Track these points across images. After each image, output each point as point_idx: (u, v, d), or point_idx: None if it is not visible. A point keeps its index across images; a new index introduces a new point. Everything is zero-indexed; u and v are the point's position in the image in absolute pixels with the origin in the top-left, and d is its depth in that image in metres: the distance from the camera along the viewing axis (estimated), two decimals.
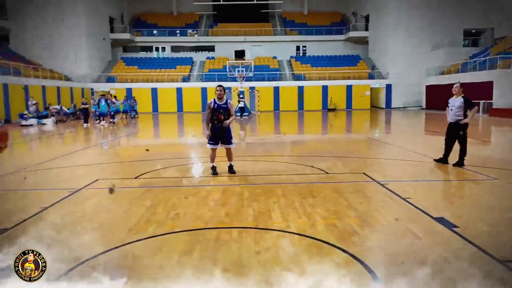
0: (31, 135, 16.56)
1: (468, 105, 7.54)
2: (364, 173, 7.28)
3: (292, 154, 10.77)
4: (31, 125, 20.30)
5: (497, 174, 6.96)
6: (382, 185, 6.30)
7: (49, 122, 21.57)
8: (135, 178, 7.20)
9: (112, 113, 21.74)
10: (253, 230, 4.28)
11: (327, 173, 7.42)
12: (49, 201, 5.50)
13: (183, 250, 3.75)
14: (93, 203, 5.51)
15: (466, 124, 7.56)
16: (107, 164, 9.16)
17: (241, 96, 24.10)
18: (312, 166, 8.00)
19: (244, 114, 26.79)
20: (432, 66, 32.87)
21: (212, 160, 7.26)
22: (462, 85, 7.76)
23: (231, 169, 7.32)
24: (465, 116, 7.57)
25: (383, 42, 36.06)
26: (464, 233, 4.02)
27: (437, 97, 30.89)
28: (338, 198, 5.55)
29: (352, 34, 39.97)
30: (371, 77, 35.79)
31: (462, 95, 7.70)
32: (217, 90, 6.95)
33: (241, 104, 23.48)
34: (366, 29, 39.80)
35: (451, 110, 7.70)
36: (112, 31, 39.16)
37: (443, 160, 7.86)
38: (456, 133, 7.65)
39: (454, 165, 7.60)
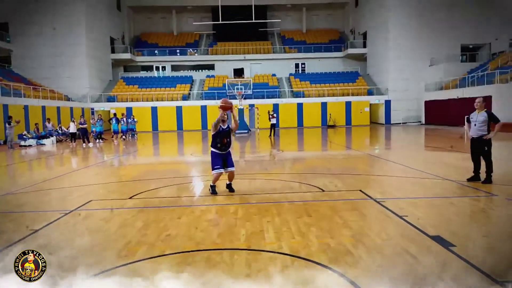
0: (29, 156, 16.53)
1: (493, 119, 7.38)
2: (360, 190, 7.18)
3: (290, 171, 10.68)
4: (30, 145, 20.31)
5: (497, 190, 6.86)
6: (379, 202, 6.20)
7: (48, 142, 21.58)
8: (130, 198, 7.11)
9: (123, 131, 23.26)
10: (245, 252, 4.18)
11: (323, 190, 7.33)
12: (40, 223, 5.42)
13: (172, 273, 3.64)
14: (84, 225, 5.41)
15: (490, 140, 7.40)
16: (103, 185, 9.09)
17: (272, 112, 24.13)
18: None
19: (243, 131, 26.83)
20: (430, 81, 33.02)
21: (215, 182, 7.22)
22: (485, 99, 7.62)
23: (230, 187, 7.30)
24: (488, 130, 7.42)
25: (381, 58, 36.34)
26: (461, 252, 3.91)
27: (436, 112, 30.93)
28: (333, 217, 5.45)
29: (350, 51, 40.35)
30: (370, 93, 35.93)
31: (485, 109, 7.53)
32: (221, 114, 6.93)
33: (273, 121, 23.48)
34: (364, 46, 40.19)
35: (474, 125, 7.49)
36: (113, 51, 39.61)
37: (475, 178, 7.60)
38: (480, 149, 7.48)
39: (482, 182, 7.38)
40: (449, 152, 13.73)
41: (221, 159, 7.05)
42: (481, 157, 7.56)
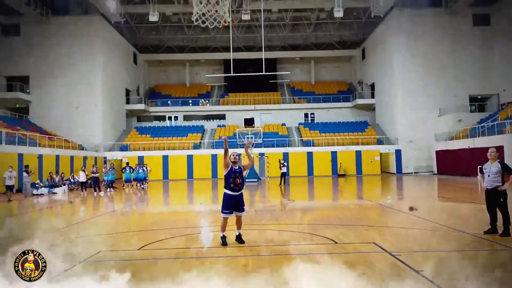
0: (40, 205, 16.62)
1: (507, 170, 7.31)
2: (374, 243, 7.01)
3: (301, 222, 10.51)
4: (41, 194, 20.47)
5: None
6: (394, 256, 6.02)
7: (59, 191, 21.76)
8: (139, 249, 7.03)
9: (140, 179, 23.89)
10: None
11: (336, 242, 7.17)
12: (48, 276, 5.34)
13: None
14: (91, 279, 5.31)
15: (505, 191, 7.28)
16: (112, 235, 9.03)
17: (282, 161, 24.31)
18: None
19: (253, 180, 26.77)
20: (440, 131, 33.06)
21: (223, 229, 7.16)
22: (497, 150, 7.60)
23: (240, 239, 7.18)
24: (503, 181, 7.32)
25: (390, 109, 36.78)
26: None
27: (448, 162, 30.65)
28: (348, 271, 5.29)
29: (359, 101, 41.01)
30: (380, 142, 35.99)
31: (498, 160, 7.48)
32: (233, 155, 7.17)
33: (284, 170, 23.52)
34: (372, 96, 40.88)
35: (488, 176, 7.41)
36: (128, 102, 40.92)
37: (492, 230, 7.39)
38: (496, 200, 7.35)
39: (500, 235, 7.17)
40: (463, 203, 13.45)
41: (233, 202, 7.06)
42: (497, 209, 7.40)
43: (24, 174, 19.66)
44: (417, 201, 15.25)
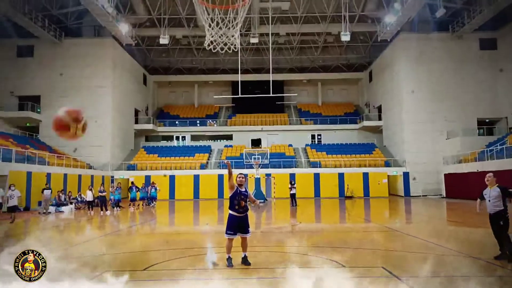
0: (47, 223, 16.64)
1: (507, 194, 7.32)
2: (383, 267, 6.90)
3: (308, 244, 10.38)
4: (49, 212, 20.53)
5: None
6: (403, 281, 5.91)
7: (66, 210, 21.80)
8: (144, 270, 6.98)
9: (154, 198, 25.08)
10: None
11: (343, 266, 7.06)
12: None
13: None
14: None
15: (506, 214, 7.23)
16: (117, 254, 8.99)
17: (293, 182, 24.38)
18: None
19: (260, 200, 26.64)
20: (448, 154, 32.82)
21: (229, 251, 7.13)
22: (495, 174, 7.62)
23: (245, 261, 7.11)
24: (504, 205, 7.28)
25: (397, 131, 36.69)
26: None
27: (456, 185, 30.27)
28: None
29: (366, 123, 40.99)
30: (387, 164, 35.75)
31: (497, 184, 7.50)
32: (239, 177, 7.18)
33: (293, 191, 23.54)
34: (380, 118, 40.86)
35: (489, 201, 7.44)
36: (136, 122, 41.35)
37: (503, 256, 7.24)
38: (497, 224, 7.32)
39: (509, 261, 7.01)
40: (472, 228, 13.23)
41: (237, 223, 7.05)
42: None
43: (45, 192, 20.08)
44: (425, 225, 15.03)
